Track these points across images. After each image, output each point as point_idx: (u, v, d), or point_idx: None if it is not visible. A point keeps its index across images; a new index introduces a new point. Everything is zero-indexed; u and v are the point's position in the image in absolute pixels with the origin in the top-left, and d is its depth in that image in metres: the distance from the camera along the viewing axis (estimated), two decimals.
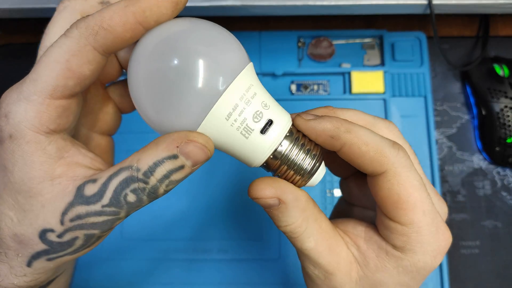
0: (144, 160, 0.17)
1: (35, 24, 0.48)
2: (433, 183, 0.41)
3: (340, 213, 0.26)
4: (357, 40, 0.45)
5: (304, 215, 0.19)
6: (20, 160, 0.17)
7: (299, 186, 0.20)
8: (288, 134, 0.19)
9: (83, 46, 0.17)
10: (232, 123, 0.18)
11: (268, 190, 0.19)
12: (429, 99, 0.43)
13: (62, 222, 0.18)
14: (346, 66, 0.44)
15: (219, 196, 0.41)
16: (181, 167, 0.18)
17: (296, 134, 0.19)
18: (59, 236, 0.18)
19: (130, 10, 0.17)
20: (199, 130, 0.18)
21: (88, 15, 0.17)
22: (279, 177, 0.20)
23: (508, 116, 0.42)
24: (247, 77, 0.18)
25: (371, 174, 0.19)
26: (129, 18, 0.17)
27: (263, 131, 0.18)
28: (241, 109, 0.18)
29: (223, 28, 0.19)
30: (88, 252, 0.20)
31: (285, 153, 0.19)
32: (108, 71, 0.22)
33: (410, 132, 0.42)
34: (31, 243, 0.18)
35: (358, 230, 0.21)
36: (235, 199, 0.41)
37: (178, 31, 0.18)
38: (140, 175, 0.17)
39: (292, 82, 0.44)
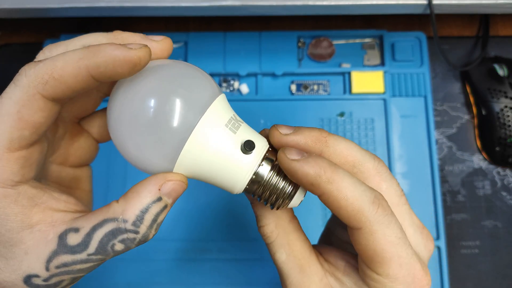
0: (130, 210, 0.18)
1: (35, 24, 0.48)
2: (433, 183, 0.41)
3: (330, 230, 0.26)
4: (357, 40, 0.45)
5: (277, 221, 0.20)
6: None
7: (277, 208, 0.20)
8: (265, 159, 0.19)
9: (32, 96, 0.17)
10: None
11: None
12: (429, 99, 0.43)
13: (47, 269, 0.18)
14: (346, 66, 0.44)
15: (219, 196, 0.41)
16: (165, 207, 0.18)
17: (273, 162, 0.19)
18: (45, 280, 0.18)
19: (84, 63, 0.16)
20: (176, 164, 0.18)
21: (39, 61, 0.17)
22: (260, 200, 0.20)
23: (508, 116, 0.42)
24: (218, 109, 0.18)
25: (349, 226, 0.19)
26: (81, 71, 0.16)
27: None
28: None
29: (190, 65, 0.20)
30: None
31: (263, 181, 0.19)
32: (84, 106, 0.22)
33: (410, 132, 0.42)
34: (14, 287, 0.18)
35: (339, 263, 0.21)
36: (235, 199, 0.41)
37: (149, 75, 0.18)
38: (128, 226, 0.18)
39: (292, 82, 0.44)
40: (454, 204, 0.42)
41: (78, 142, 0.22)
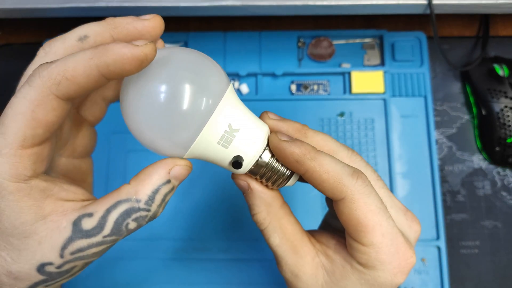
0: (142, 191, 0.19)
1: (35, 24, 0.48)
2: (433, 183, 0.41)
3: (327, 222, 0.27)
4: (357, 40, 0.45)
5: (268, 209, 0.22)
6: (7, 209, 0.18)
7: (279, 186, 0.22)
8: (267, 148, 0.21)
9: (46, 96, 0.17)
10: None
11: (243, 176, 0.22)
12: (429, 99, 0.43)
13: (62, 256, 0.19)
14: (346, 66, 0.44)
15: (219, 196, 0.41)
16: (172, 188, 0.20)
17: (271, 153, 0.22)
18: (58, 267, 0.19)
19: (95, 63, 0.17)
20: (190, 149, 0.20)
21: (52, 62, 0.18)
22: (261, 182, 0.22)
23: (508, 116, 0.42)
24: (230, 97, 0.20)
25: (332, 199, 0.21)
26: (92, 71, 0.17)
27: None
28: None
29: (201, 53, 0.21)
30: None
31: (261, 170, 0.22)
32: (92, 114, 0.24)
33: (410, 132, 0.42)
34: (28, 277, 0.19)
35: (330, 242, 0.23)
36: (235, 199, 0.41)
37: (164, 63, 0.19)
38: (142, 205, 0.19)
39: (292, 82, 0.44)
40: (454, 204, 0.42)
41: (82, 132, 0.24)
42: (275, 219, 0.22)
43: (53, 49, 0.20)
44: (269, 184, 0.22)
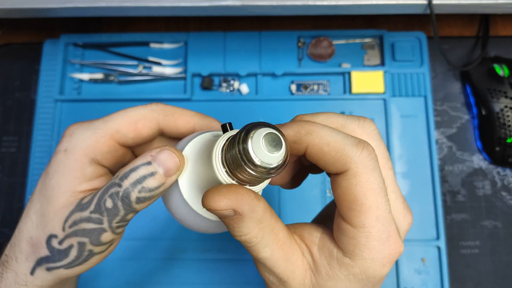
0: (124, 169, 0.20)
1: (35, 24, 0.48)
2: (433, 183, 0.41)
3: (327, 215, 0.25)
4: (357, 40, 0.45)
5: (260, 226, 0.18)
6: (61, 169, 0.21)
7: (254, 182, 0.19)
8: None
9: (153, 118, 0.23)
10: None
11: (223, 202, 0.17)
12: (429, 99, 0.43)
13: (63, 228, 0.20)
14: (346, 66, 0.44)
15: None
16: (153, 173, 0.19)
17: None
18: (60, 242, 0.20)
19: (194, 120, 0.23)
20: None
21: (167, 105, 0.23)
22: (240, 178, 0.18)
23: (508, 116, 0.42)
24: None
25: (336, 173, 0.19)
26: (189, 124, 0.23)
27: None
28: None
29: None
30: (82, 271, 0.21)
31: (227, 153, 0.18)
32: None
33: (410, 132, 0.42)
34: (40, 246, 0.20)
35: (314, 237, 0.20)
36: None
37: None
38: (116, 180, 0.20)
39: (292, 82, 0.44)
40: (454, 204, 0.42)
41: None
42: (268, 232, 0.19)
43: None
44: (246, 175, 0.18)
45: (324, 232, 0.21)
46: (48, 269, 0.20)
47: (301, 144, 0.19)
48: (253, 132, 0.16)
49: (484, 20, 0.46)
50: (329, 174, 0.21)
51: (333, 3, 0.37)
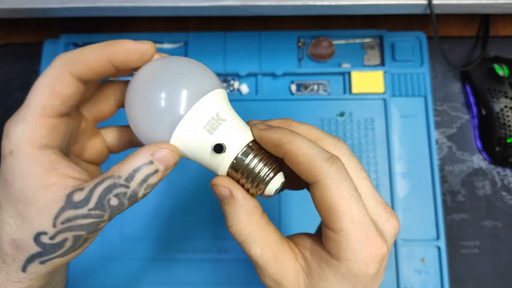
0: (124, 169, 0.21)
1: (35, 24, 0.48)
2: (433, 183, 0.41)
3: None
4: (357, 40, 0.45)
5: (249, 218, 0.22)
6: (19, 172, 0.20)
7: (256, 194, 0.22)
8: (246, 149, 0.22)
9: (64, 72, 0.21)
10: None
11: (225, 181, 0.22)
12: (429, 99, 0.43)
13: (54, 225, 0.20)
14: (346, 66, 0.44)
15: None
16: (156, 171, 0.21)
17: (255, 150, 0.22)
18: (51, 238, 0.20)
19: (104, 50, 0.21)
20: (171, 141, 0.21)
21: (71, 51, 0.22)
22: (242, 185, 0.22)
23: (508, 116, 0.42)
24: (212, 100, 0.21)
25: (308, 182, 0.21)
26: (102, 56, 0.21)
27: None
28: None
29: (195, 61, 0.23)
30: (77, 255, 0.22)
31: (244, 164, 0.22)
32: (102, 110, 0.26)
33: (410, 132, 0.42)
34: (27, 246, 0.20)
35: (306, 243, 0.23)
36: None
37: (155, 69, 0.22)
38: (121, 181, 0.20)
39: (292, 82, 0.44)
40: (454, 204, 0.42)
41: (93, 142, 0.26)
42: (256, 229, 0.22)
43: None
44: (250, 186, 0.22)
45: (315, 239, 0.23)
46: (42, 262, 0.21)
47: (281, 149, 0.21)
48: (278, 175, 0.22)
49: (484, 20, 0.46)
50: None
51: (333, 3, 0.37)
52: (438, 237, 0.40)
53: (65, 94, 0.21)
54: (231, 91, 0.44)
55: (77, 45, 0.45)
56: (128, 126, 0.27)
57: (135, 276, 0.40)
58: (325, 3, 0.37)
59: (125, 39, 0.22)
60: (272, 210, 0.41)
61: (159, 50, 0.45)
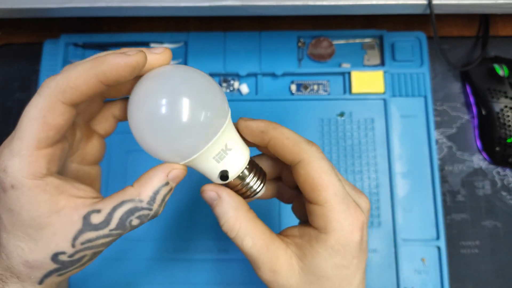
0: (145, 192, 0.22)
1: (35, 24, 0.48)
2: (433, 183, 0.41)
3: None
4: (357, 40, 0.45)
5: (237, 213, 0.23)
6: (26, 203, 0.20)
7: (246, 198, 0.25)
8: (247, 167, 0.24)
9: (55, 103, 0.20)
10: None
11: (211, 186, 0.24)
12: (429, 99, 0.43)
13: (73, 246, 0.21)
14: (346, 66, 0.44)
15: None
16: (170, 189, 0.23)
17: (250, 167, 0.25)
18: (70, 256, 0.21)
19: (93, 72, 0.20)
20: (191, 159, 0.22)
21: (57, 74, 0.20)
22: (235, 191, 0.25)
23: (508, 116, 0.42)
24: (223, 134, 0.23)
25: (292, 163, 0.24)
26: (91, 79, 0.20)
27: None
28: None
29: (207, 80, 0.23)
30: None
31: (244, 178, 0.24)
32: (92, 110, 0.26)
33: (410, 132, 0.42)
34: (43, 265, 0.21)
35: (294, 231, 0.25)
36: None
37: (171, 86, 0.21)
38: (144, 205, 0.22)
39: (292, 82, 0.44)
40: (454, 204, 0.42)
41: (92, 142, 0.26)
42: (245, 222, 0.23)
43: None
44: (241, 191, 0.25)
45: (302, 225, 0.25)
46: (60, 275, 0.22)
47: (267, 134, 0.24)
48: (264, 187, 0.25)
49: (484, 20, 0.46)
50: (292, 188, 0.27)
51: (333, 3, 0.37)
52: (438, 237, 0.40)
53: (59, 124, 0.21)
54: (231, 91, 0.44)
55: (77, 45, 0.45)
56: None
57: (135, 276, 0.40)
58: (325, 3, 0.37)
59: (112, 52, 0.21)
60: (272, 213, 0.41)
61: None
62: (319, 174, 0.22)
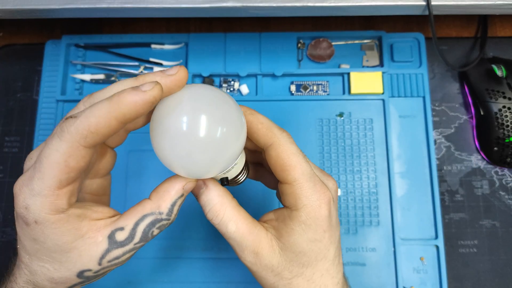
0: (164, 205, 0.24)
1: (36, 25, 0.48)
2: (432, 183, 0.41)
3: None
4: (356, 41, 0.45)
5: (222, 200, 0.25)
6: (50, 234, 0.22)
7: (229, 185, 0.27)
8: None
9: (76, 148, 0.21)
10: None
11: (200, 180, 0.26)
12: (427, 99, 0.43)
13: (100, 264, 0.23)
14: (345, 67, 0.44)
15: None
16: (184, 199, 0.25)
17: (243, 166, 0.27)
18: (96, 272, 0.23)
19: (113, 115, 0.20)
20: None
21: (76, 118, 0.21)
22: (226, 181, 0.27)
23: (506, 116, 0.42)
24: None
25: (264, 146, 0.26)
26: (112, 122, 0.21)
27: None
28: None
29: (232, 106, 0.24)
30: None
31: (236, 176, 0.27)
32: (113, 143, 0.27)
33: (408, 132, 0.43)
34: (68, 281, 0.23)
35: (270, 215, 0.27)
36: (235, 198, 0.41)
37: (196, 111, 0.22)
38: (164, 217, 0.24)
39: (292, 83, 0.44)
40: (453, 204, 0.42)
41: (105, 159, 0.27)
42: (230, 208, 0.25)
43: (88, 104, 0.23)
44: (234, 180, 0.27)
45: (277, 209, 0.27)
46: (82, 284, 0.24)
47: (245, 118, 0.25)
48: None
49: (482, 21, 0.46)
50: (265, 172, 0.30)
51: (332, 4, 0.37)
52: (436, 236, 0.40)
53: (81, 166, 0.21)
54: (231, 91, 0.44)
55: (78, 46, 0.45)
56: None
57: (135, 275, 0.40)
58: (324, 4, 0.37)
59: (129, 89, 0.21)
60: (269, 208, 0.41)
61: (160, 51, 0.45)
62: (288, 155, 0.25)
